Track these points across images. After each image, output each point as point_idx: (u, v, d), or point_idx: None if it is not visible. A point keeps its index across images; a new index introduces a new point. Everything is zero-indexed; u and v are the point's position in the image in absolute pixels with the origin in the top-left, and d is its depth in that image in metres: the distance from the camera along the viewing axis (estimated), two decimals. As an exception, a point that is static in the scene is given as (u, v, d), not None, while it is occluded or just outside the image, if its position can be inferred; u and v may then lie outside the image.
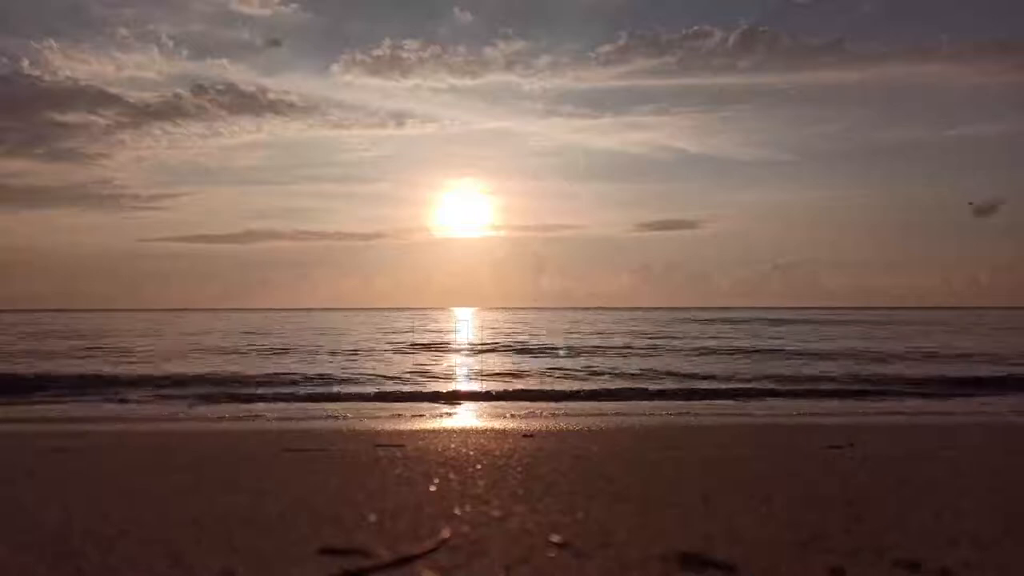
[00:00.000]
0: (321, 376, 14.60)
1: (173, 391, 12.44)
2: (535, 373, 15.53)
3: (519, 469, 3.64)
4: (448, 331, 36.18)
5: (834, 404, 10.82)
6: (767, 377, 14.41)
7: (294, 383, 13.58)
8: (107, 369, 16.09)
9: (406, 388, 12.97)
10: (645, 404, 10.79)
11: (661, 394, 12.06)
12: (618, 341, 26.22)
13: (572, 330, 35.69)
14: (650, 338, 27.87)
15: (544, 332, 33.32)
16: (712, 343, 24.79)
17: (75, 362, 18.17)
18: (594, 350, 21.73)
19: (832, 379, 14.12)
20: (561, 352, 20.91)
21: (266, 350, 22.14)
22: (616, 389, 12.54)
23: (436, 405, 10.72)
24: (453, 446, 4.76)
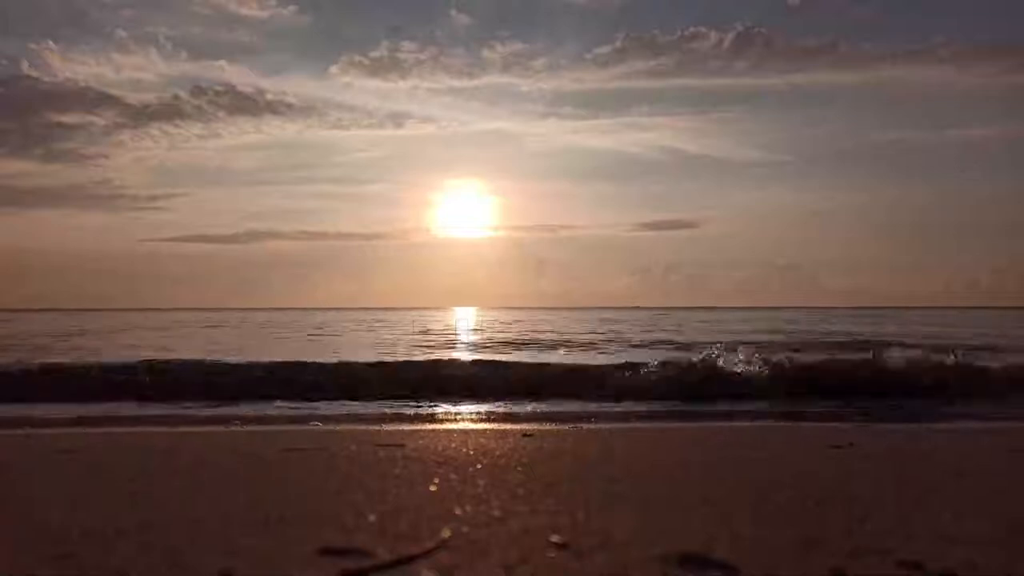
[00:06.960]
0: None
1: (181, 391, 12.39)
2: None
3: (519, 469, 3.64)
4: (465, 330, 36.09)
5: (834, 403, 10.80)
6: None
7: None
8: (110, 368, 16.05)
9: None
10: (645, 404, 10.78)
11: (661, 396, 12.02)
12: (619, 340, 26.23)
13: (576, 328, 35.67)
14: (650, 334, 27.91)
15: (552, 330, 33.32)
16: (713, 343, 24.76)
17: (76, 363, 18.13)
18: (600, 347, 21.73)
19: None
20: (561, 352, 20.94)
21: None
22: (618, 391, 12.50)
23: (437, 404, 10.71)
24: (453, 446, 4.76)
